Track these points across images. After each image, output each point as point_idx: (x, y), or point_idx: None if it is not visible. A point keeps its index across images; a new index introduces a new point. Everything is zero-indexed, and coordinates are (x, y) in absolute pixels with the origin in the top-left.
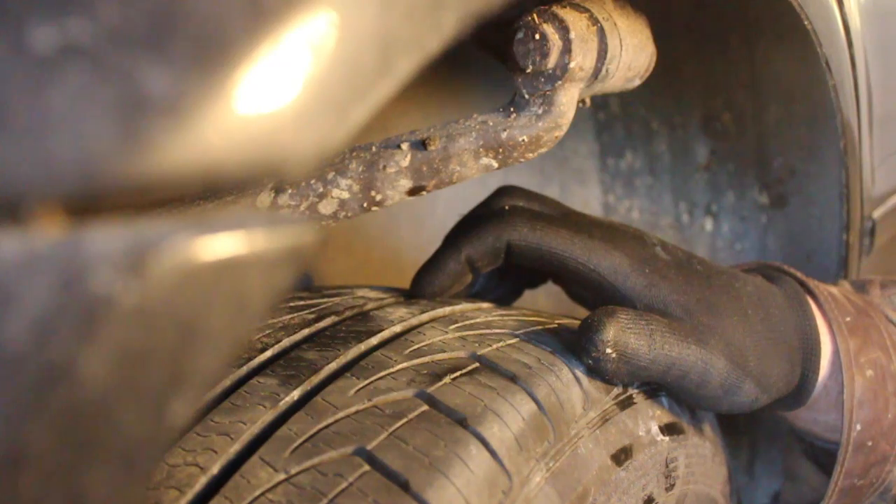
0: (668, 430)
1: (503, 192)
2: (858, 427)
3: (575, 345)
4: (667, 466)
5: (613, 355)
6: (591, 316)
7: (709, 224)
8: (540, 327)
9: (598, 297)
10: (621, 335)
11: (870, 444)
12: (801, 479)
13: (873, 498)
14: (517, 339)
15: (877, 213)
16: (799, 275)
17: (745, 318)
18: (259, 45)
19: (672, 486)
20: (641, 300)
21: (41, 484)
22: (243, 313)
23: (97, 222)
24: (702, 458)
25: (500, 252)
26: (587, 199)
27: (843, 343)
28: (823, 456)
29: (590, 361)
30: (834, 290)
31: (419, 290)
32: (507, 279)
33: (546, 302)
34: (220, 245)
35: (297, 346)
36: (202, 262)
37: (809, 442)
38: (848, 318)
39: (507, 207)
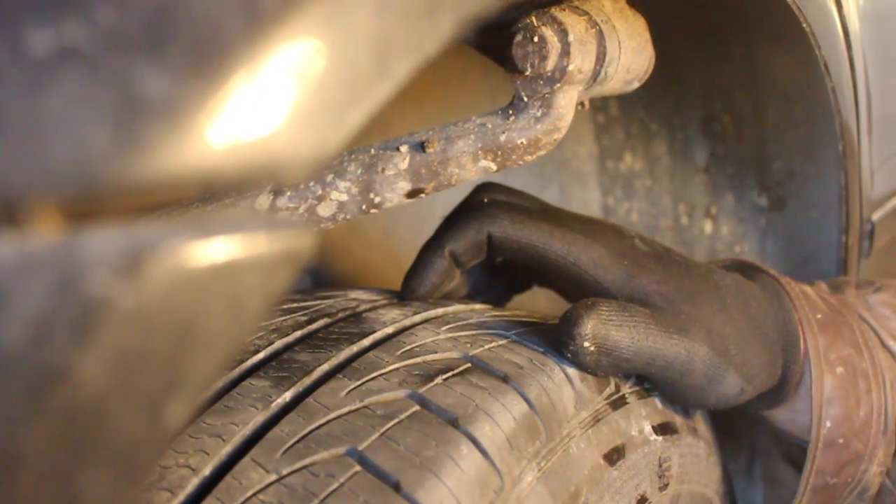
0: (661, 429)
1: (482, 188)
2: (828, 424)
3: (556, 339)
4: (660, 466)
5: (591, 348)
6: (570, 309)
7: (708, 226)
8: (532, 328)
9: (578, 290)
10: (601, 328)
11: (841, 441)
12: (780, 482)
13: (852, 498)
14: (509, 339)
15: (876, 216)
16: (772, 271)
17: (725, 307)
18: (256, 48)
19: (666, 485)
20: (622, 292)
21: (36, 485)
22: (240, 316)
23: (94, 225)
24: (696, 457)
25: (481, 244)
26: (586, 201)
27: (812, 340)
28: (801, 458)
29: (568, 354)
30: (807, 288)
31: (409, 291)
32: (497, 281)
33: (547, 304)
34: (217, 248)
35: (289, 347)
36: (199, 265)
37: (787, 444)
38: (819, 316)
39: (486, 201)
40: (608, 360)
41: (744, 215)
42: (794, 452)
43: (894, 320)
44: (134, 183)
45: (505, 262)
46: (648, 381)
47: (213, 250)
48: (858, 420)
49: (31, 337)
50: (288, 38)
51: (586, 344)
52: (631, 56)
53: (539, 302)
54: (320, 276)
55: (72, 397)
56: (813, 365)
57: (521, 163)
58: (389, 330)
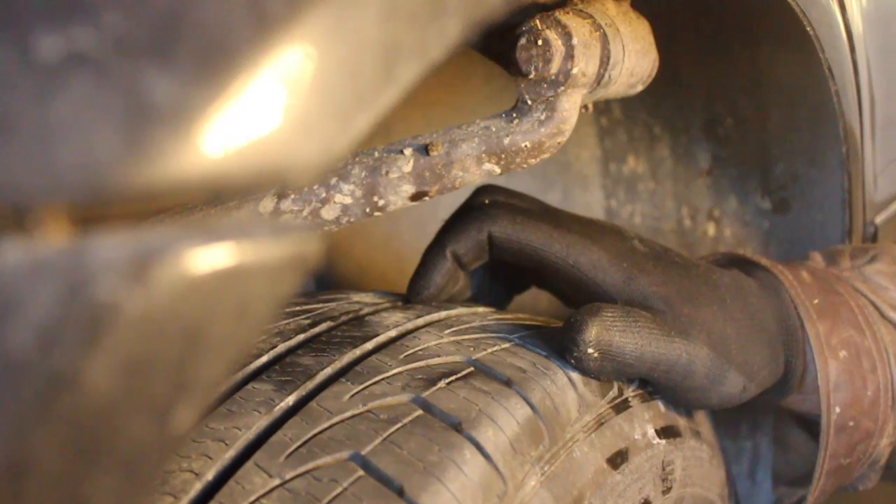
0: (664, 433)
1: (483, 190)
2: (837, 410)
3: (559, 344)
4: (663, 469)
5: (595, 354)
6: (574, 314)
7: (711, 229)
8: (534, 331)
9: (578, 293)
10: (605, 334)
11: (851, 424)
12: (792, 447)
13: (863, 470)
14: (512, 343)
15: (879, 219)
16: (764, 262)
17: (725, 307)
18: (263, 53)
19: (669, 489)
20: (621, 295)
21: (46, 492)
22: (248, 320)
23: (102, 230)
24: (699, 460)
25: (483, 245)
26: (589, 203)
27: (812, 328)
28: (814, 425)
29: (572, 360)
30: (802, 272)
31: (414, 294)
32: (498, 283)
33: (549, 305)
34: (225, 253)
35: (292, 351)
36: (207, 270)
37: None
38: (816, 301)
39: (487, 202)
40: (612, 365)
41: (747, 218)
42: (807, 418)
43: (893, 290)
44: (142, 188)
45: (504, 263)
46: (650, 384)
47: (220, 255)
48: (867, 400)
49: (39, 342)
50: (294, 44)
51: (590, 350)
52: (635, 59)
53: (540, 302)
54: (322, 279)
55: (80, 403)
56: (816, 353)
57: (524, 166)
58: (392, 333)
